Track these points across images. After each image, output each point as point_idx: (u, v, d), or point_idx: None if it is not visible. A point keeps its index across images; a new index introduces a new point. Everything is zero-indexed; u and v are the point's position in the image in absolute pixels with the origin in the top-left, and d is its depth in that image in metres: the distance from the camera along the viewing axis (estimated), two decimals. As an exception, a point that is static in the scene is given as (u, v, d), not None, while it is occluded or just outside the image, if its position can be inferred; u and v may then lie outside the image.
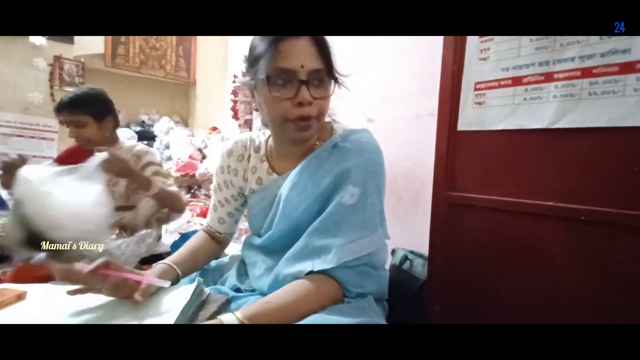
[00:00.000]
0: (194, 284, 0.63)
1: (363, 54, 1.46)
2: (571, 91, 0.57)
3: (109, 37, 2.95)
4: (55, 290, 0.70)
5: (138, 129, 3.09)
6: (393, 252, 1.03)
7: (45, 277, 0.87)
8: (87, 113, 1.22)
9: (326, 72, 0.63)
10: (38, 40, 2.72)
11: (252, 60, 0.65)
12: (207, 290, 0.66)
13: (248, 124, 2.30)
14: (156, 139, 3.06)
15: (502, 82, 0.65)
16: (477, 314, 0.68)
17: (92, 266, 0.56)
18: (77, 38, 2.98)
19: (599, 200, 0.54)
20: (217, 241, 0.82)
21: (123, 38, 3.00)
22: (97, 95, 1.27)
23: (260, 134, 0.80)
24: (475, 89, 0.69)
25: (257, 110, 0.72)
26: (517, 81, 0.63)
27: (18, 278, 0.86)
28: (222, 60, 3.31)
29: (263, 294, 0.67)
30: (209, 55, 3.33)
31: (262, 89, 0.63)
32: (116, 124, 1.33)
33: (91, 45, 2.97)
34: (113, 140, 1.31)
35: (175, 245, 1.25)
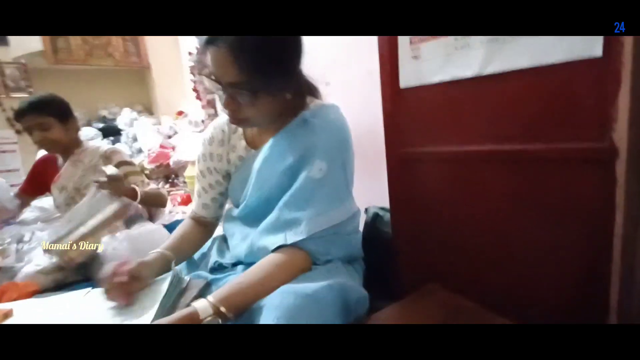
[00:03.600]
0: (171, 274, 0.66)
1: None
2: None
3: (45, 31, 2.72)
4: (40, 304, 0.73)
5: (100, 125, 2.97)
6: (366, 210, 1.08)
7: (30, 293, 0.89)
8: (51, 114, 1.19)
9: (247, 85, 0.59)
10: (-32, 47, 2.50)
11: None
12: (186, 278, 0.70)
13: (211, 104, 2.24)
14: (122, 132, 2.96)
15: (434, 34, 0.66)
16: (438, 259, 0.74)
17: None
18: (11, 38, 2.74)
19: (529, 138, 0.58)
20: (204, 226, 0.85)
21: (61, 30, 2.78)
22: (57, 98, 1.25)
23: None
24: (411, 43, 0.70)
25: None
26: (446, 31, 0.64)
27: (5, 297, 0.88)
28: (172, 38, 3.12)
29: (242, 264, 0.72)
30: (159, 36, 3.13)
31: None
32: (77, 127, 1.31)
33: (29, 43, 2.74)
34: (77, 143, 1.29)
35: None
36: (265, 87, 0.61)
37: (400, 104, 0.73)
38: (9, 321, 0.66)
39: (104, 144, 1.39)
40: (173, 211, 2.18)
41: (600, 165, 0.51)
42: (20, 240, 1.12)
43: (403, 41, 0.71)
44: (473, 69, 0.61)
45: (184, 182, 2.55)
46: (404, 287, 0.78)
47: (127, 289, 0.61)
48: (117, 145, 2.86)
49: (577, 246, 0.56)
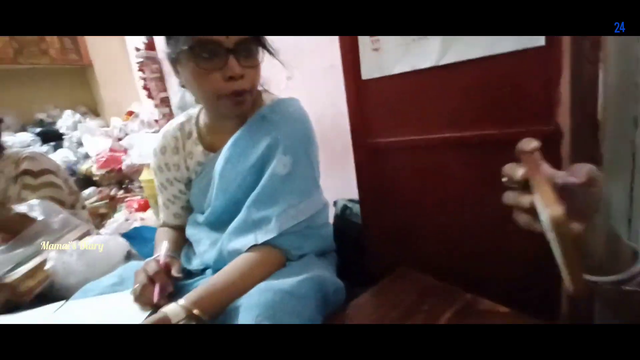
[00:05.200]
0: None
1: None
2: (450, 27, 0.61)
3: (-38, 26, 2.39)
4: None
5: (38, 130, 2.69)
6: (335, 203, 1.09)
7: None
8: None
9: (254, 41, 0.61)
10: None
11: None
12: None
13: (165, 103, 2.12)
14: (64, 137, 2.71)
15: (392, 26, 0.67)
16: (407, 243, 0.77)
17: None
18: None
19: (483, 124, 0.61)
20: (181, 230, 0.82)
21: (-19, 24, 2.46)
22: None
23: (189, 117, 0.77)
24: (370, 36, 0.71)
25: (183, 86, 0.68)
26: (405, 23, 0.66)
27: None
28: (117, 33, 2.90)
29: (211, 269, 0.69)
30: (100, 30, 2.89)
31: (187, 62, 0.59)
32: None
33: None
34: None
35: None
36: (263, 41, 0.63)
37: (363, 95, 0.74)
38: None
39: (30, 149, 1.23)
40: (130, 218, 2.04)
41: (548, 147, 0.56)
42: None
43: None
44: (430, 59, 0.64)
45: (140, 187, 2.40)
46: (377, 273, 0.81)
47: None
48: (60, 152, 2.62)
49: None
